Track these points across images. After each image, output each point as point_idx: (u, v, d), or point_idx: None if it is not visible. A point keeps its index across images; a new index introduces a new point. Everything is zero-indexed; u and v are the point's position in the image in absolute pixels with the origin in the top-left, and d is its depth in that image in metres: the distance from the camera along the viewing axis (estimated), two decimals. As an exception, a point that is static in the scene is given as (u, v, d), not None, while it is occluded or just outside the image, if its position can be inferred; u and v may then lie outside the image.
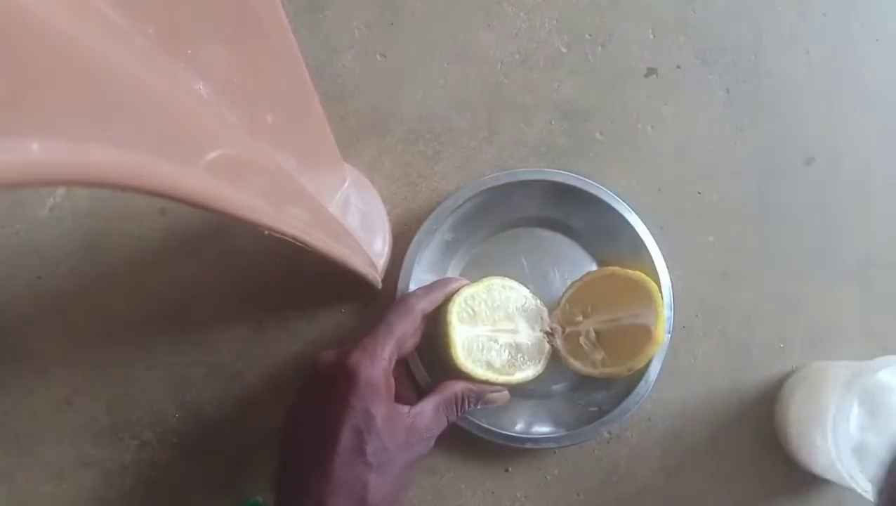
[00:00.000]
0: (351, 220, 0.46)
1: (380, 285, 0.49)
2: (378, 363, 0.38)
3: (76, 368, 0.51)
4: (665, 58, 0.54)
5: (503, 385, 0.44)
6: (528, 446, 0.48)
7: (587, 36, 0.54)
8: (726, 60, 0.54)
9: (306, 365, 0.42)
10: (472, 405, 0.43)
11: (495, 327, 0.45)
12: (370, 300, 0.51)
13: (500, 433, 0.47)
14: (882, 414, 0.44)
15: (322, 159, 0.42)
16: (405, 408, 0.39)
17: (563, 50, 0.54)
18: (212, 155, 0.22)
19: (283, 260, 0.52)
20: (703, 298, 0.52)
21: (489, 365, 0.44)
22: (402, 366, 0.47)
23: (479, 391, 0.43)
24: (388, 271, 0.50)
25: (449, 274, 0.51)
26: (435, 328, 0.44)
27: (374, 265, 0.47)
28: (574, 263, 0.51)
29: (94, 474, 0.50)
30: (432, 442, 0.41)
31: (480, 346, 0.44)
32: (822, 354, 0.51)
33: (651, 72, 0.54)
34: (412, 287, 0.49)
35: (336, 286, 0.51)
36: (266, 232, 0.27)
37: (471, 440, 0.48)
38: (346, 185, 0.47)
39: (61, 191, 0.53)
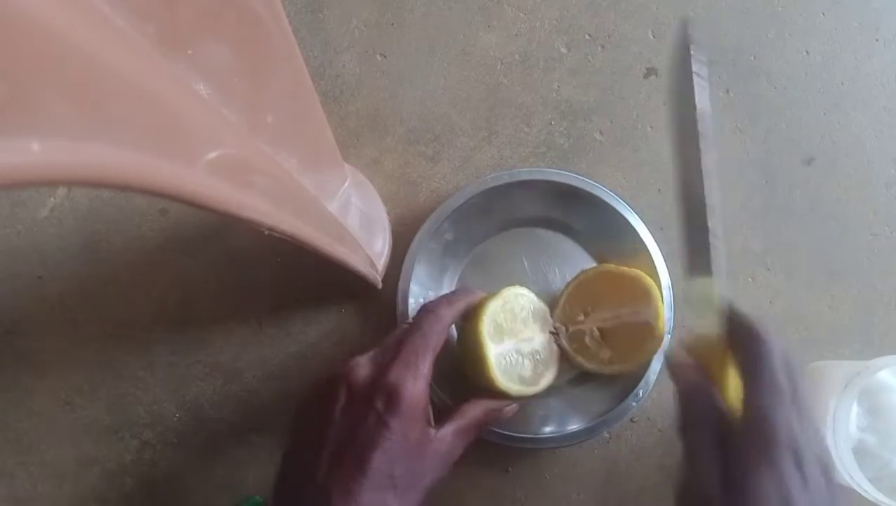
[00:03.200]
0: (351, 220, 0.47)
1: (380, 285, 0.49)
2: (420, 380, 0.36)
3: (77, 368, 0.51)
4: (665, 58, 0.54)
5: (531, 397, 0.44)
6: (528, 446, 0.48)
7: (587, 36, 0.54)
8: (726, 61, 0.54)
9: (333, 369, 0.38)
10: (490, 425, 0.42)
11: (517, 338, 0.44)
12: (370, 300, 0.51)
13: (500, 433, 0.47)
14: (881, 414, 0.44)
15: (322, 159, 0.42)
16: (432, 431, 0.37)
17: (563, 50, 0.54)
18: (212, 155, 0.22)
19: (283, 260, 0.52)
20: (703, 298, 0.52)
21: (521, 379, 0.43)
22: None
23: (498, 412, 0.42)
24: (388, 271, 0.50)
25: (450, 274, 0.51)
26: (463, 346, 0.44)
27: (374, 265, 0.47)
28: (574, 263, 0.51)
29: (95, 474, 0.50)
30: (450, 466, 0.39)
31: (511, 361, 0.43)
32: (821, 353, 0.51)
33: (651, 72, 0.54)
34: (412, 287, 0.49)
35: (336, 286, 0.51)
36: (266, 232, 0.27)
37: (471, 440, 0.48)
38: (346, 185, 0.47)
39: (62, 191, 0.53)
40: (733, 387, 0.36)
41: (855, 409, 0.44)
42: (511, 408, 0.43)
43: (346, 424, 0.36)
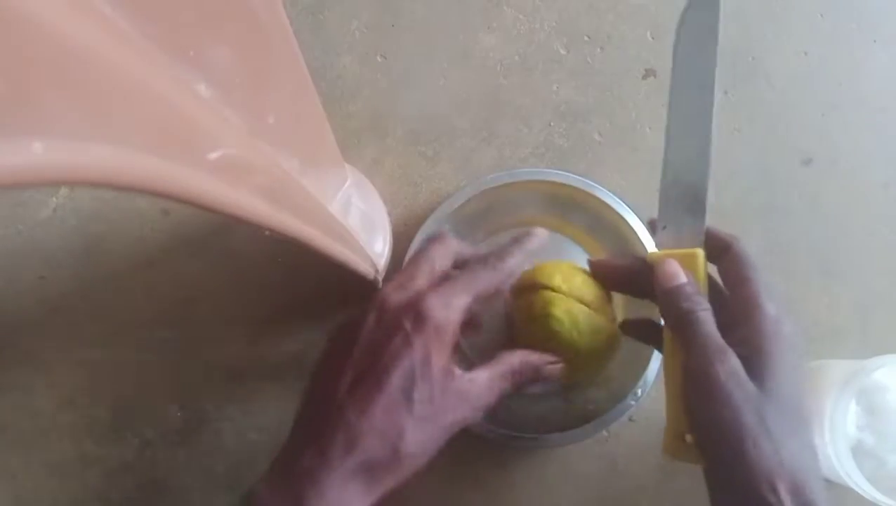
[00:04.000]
0: (352, 220, 0.47)
1: (380, 285, 0.49)
2: (452, 312, 0.35)
3: (78, 367, 0.51)
4: (663, 59, 0.54)
5: (589, 353, 0.41)
6: (528, 445, 0.48)
7: (586, 38, 0.55)
8: (724, 62, 0.54)
9: (370, 300, 0.37)
10: (528, 379, 0.39)
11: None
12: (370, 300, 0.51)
13: (500, 433, 0.47)
14: (879, 413, 0.44)
15: (323, 160, 0.43)
16: (458, 370, 0.36)
17: (563, 52, 0.55)
18: (214, 155, 0.22)
19: (284, 260, 0.52)
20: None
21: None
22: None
23: (538, 364, 0.40)
24: (388, 272, 0.50)
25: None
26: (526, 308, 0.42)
27: (374, 265, 0.47)
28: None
29: (96, 473, 0.50)
30: (481, 413, 0.37)
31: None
32: (819, 353, 0.51)
33: (649, 73, 0.54)
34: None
35: (337, 286, 0.51)
36: (267, 232, 0.27)
37: (470, 440, 0.48)
38: (347, 185, 0.48)
39: (64, 191, 0.53)
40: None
41: (853, 408, 0.45)
42: (554, 367, 0.40)
43: (371, 344, 0.35)
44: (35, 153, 0.13)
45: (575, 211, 0.51)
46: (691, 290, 0.36)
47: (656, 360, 0.48)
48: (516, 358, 0.39)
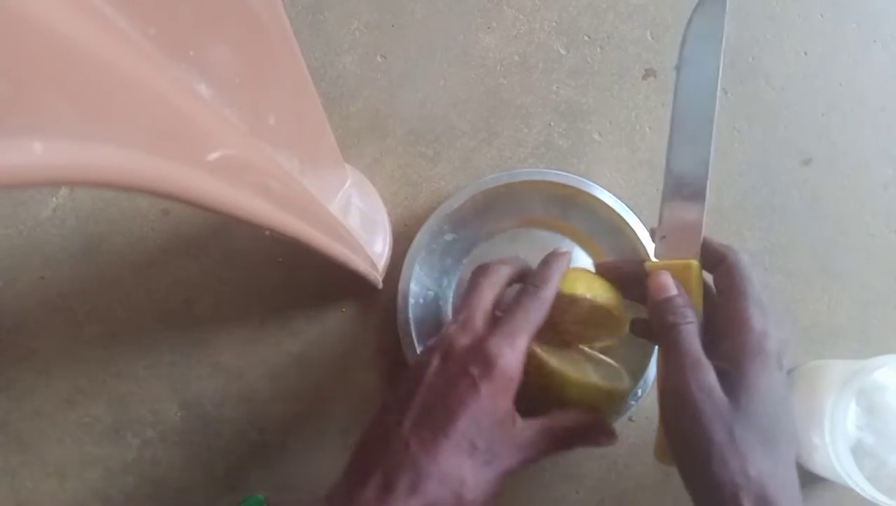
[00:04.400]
0: (352, 220, 0.47)
1: (380, 285, 0.49)
2: (517, 353, 0.35)
3: (78, 367, 0.51)
4: (663, 59, 0.54)
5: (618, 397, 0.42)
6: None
7: (586, 38, 0.55)
8: (724, 62, 0.54)
9: (441, 344, 0.37)
10: (578, 442, 0.39)
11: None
12: (371, 300, 0.51)
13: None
14: (879, 413, 0.44)
15: (323, 160, 0.43)
16: (519, 420, 0.36)
17: (563, 51, 0.55)
18: (214, 155, 0.22)
19: (284, 260, 0.52)
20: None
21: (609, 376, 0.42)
22: None
23: (589, 429, 0.39)
24: (388, 271, 0.50)
25: (450, 274, 0.51)
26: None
27: (374, 265, 0.47)
28: (573, 264, 0.51)
29: (97, 473, 0.50)
30: (524, 462, 0.36)
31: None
32: (819, 353, 0.51)
33: (649, 73, 0.54)
34: (412, 287, 0.49)
35: (337, 286, 0.51)
36: (267, 232, 0.27)
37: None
38: (347, 185, 0.48)
39: (64, 192, 0.53)
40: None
41: (853, 408, 0.45)
42: (608, 436, 0.40)
43: (437, 386, 0.35)
44: (35, 153, 0.13)
45: (575, 211, 0.51)
46: (680, 302, 0.37)
47: (656, 360, 0.48)
48: (569, 416, 0.39)
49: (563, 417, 0.38)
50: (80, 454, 0.50)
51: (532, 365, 0.38)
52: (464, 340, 0.36)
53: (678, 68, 0.39)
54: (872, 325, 0.52)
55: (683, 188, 0.39)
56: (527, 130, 0.54)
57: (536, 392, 0.39)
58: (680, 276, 0.38)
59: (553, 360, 0.39)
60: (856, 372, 0.42)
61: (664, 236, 0.40)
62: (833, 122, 0.54)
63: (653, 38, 0.55)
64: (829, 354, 0.51)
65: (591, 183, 0.50)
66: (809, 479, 0.49)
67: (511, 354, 0.35)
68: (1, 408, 0.51)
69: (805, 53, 0.55)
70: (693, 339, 0.36)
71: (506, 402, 0.35)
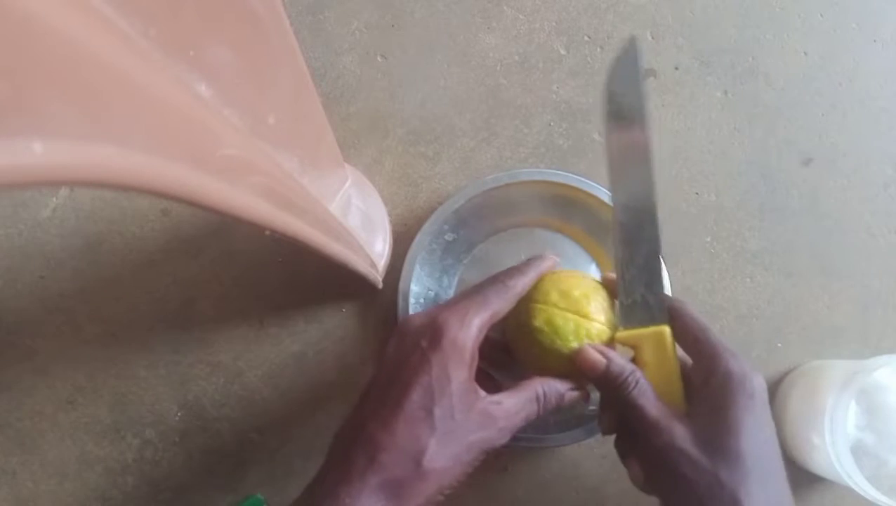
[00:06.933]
0: (352, 220, 0.47)
1: (380, 285, 0.49)
2: (467, 328, 0.36)
3: (78, 367, 0.51)
4: (663, 59, 0.54)
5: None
6: (528, 445, 0.48)
7: (586, 38, 0.55)
8: (724, 62, 0.54)
9: (396, 327, 0.39)
10: (553, 405, 0.40)
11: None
12: (371, 300, 0.51)
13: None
14: (879, 413, 0.44)
15: (323, 160, 0.43)
16: (482, 391, 0.36)
17: (562, 52, 0.55)
18: (214, 155, 0.22)
19: (284, 260, 0.52)
20: (701, 297, 0.52)
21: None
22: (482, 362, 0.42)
23: (561, 390, 0.40)
24: (388, 271, 0.50)
25: (450, 274, 0.51)
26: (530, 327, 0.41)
27: (374, 265, 0.47)
28: (573, 264, 0.51)
29: (97, 473, 0.50)
30: (508, 435, 0.38)
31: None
32: (819, 353, 0.51)
33: (649, 73, 0.54)
34: (412, 287, 0.49)
35: (337, 286, 0.51)
36: (267, 232, 0.27)
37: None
38: (347, 185, 0.48)
39: (64, 192, 0.53)
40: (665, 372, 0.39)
41: (853, 408, 0.45)
42: (573, 393, 0.41)
43: (392, 363, 0.37)
44: (35, 153, 0.13)
45: (575, 211, 0.51)
46: (615, 370, 0.38)
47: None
48: (540, 384, 0.39)
49: (531, 384, 0.39)
50: (79, 454, 0.50)
51: (524, 339, 0.40)
52: (418, 320, 0.38)
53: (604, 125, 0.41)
54: (872, 325, 0.52)
55: (637, 251, 0.40)
56: (527, 130, 0.54)
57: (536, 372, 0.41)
58: (653, 343, 0.39)
59: (537, 321, 0.40)
60: (856, 372, 0.42)
61: (629, 303, 0.40)
62: (833, 122, 0.54)
63: (653, 38, 0.55)
64: (829, 354, 0.51)
65: (591, 183, 0.50)
66: (809, 479, 0.49)
67: (460, 328, 0.36)
68: (1, 408, 0.51)
69: (805, 53, 0.55)
70: (645, 399, 0.37)
71: (460, 372, 0.35)
